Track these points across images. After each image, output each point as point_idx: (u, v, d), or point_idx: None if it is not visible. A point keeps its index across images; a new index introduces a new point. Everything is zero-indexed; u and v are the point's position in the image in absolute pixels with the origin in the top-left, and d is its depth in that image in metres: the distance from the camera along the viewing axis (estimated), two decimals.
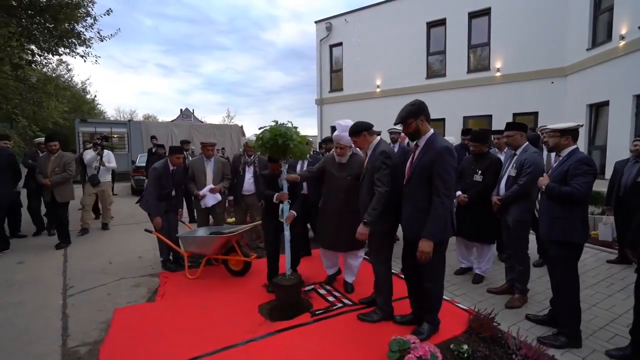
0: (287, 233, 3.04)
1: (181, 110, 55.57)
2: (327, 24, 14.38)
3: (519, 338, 2.36)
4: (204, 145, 4.45)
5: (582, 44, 8.90)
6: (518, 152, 3.11)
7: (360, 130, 2.71)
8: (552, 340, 2.46)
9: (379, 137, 2.75)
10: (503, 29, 10.49)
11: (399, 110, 2.43)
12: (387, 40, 12.70)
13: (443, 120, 11.78)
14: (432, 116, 2.48)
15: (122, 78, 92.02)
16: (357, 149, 3.06)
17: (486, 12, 10.80)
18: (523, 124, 3.14)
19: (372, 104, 13.24)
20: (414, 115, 2.34)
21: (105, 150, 6.15)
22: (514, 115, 10.37)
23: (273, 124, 2.94)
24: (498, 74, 10.72)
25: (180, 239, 3.89)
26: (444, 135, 6.62)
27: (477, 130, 3.58)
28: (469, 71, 11.30)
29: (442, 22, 11.68)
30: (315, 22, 14.91)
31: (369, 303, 3.00)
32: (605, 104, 8.27)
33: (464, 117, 11.49)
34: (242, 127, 20.02)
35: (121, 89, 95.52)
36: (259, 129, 2.96)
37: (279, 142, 2.80)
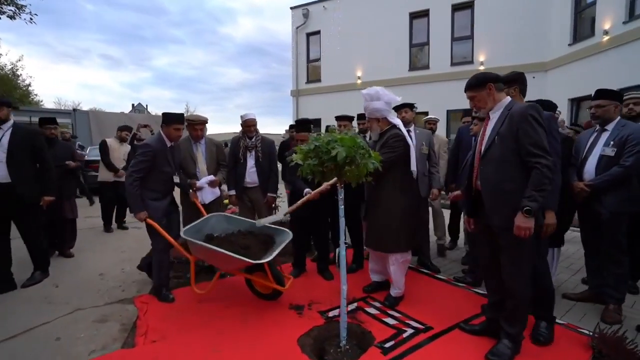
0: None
1: (133, 105, 51.34)
2: (303, 10, 13.47)
3: None
4: (190, 123, 3.30)
5: (564, 40, 9.04)
6: (610, 128, 2.54)
7: (485, 81, 1.89)
8: None
9: (508, 98, 1.93)
10: (486, 22, 10.42)
11: None
12: (369, 30, 12.16)
13: (426, 113, 11.46)
14: None
15: (59, 68, 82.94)
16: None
17: (469, 4, 10.67)
18: (619, 93, 2.56)
19: (352, 95, 12.54)
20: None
21: None
22: None
23: (315, 135, 2.03)
24: (481, 67, 10.61)
25: (188, 242, 2.64)
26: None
27: (542, 100, 3.00)
28: (453, 64, 11.13)
29: (425, 13, 11.39)
30: (291, 8, 13.93)
31: (477, 332, 2.18)
32: (587, 97, 8.42)
33: (448, 111, 11.28)
34: None
35: (59, 80, 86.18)
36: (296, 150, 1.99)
37: (358, 161, 1.84)
